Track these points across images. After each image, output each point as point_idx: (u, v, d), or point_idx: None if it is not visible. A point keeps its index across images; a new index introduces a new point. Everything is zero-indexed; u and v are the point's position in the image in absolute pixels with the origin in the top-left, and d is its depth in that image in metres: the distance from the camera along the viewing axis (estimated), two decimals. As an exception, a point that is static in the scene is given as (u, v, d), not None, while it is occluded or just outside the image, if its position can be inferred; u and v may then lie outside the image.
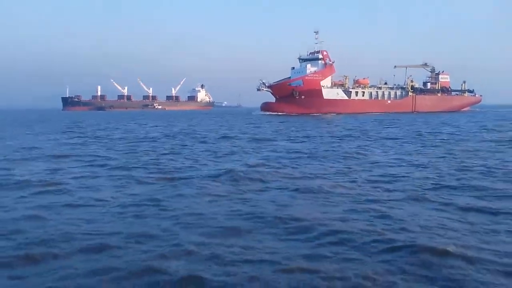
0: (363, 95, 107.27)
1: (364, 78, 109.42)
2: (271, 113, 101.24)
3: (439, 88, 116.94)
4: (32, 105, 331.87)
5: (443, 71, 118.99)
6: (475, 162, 19.15)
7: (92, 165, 19.16)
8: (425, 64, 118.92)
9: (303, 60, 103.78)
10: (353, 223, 9.76)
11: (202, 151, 25.14)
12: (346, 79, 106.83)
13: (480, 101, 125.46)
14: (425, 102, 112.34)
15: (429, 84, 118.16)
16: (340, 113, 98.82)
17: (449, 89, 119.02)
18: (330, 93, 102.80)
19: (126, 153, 24.38)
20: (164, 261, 7.54)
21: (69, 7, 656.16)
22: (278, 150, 25.08)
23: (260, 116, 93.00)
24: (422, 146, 26.87)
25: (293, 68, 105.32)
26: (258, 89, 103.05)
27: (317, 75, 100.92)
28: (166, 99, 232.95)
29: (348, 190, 13.42)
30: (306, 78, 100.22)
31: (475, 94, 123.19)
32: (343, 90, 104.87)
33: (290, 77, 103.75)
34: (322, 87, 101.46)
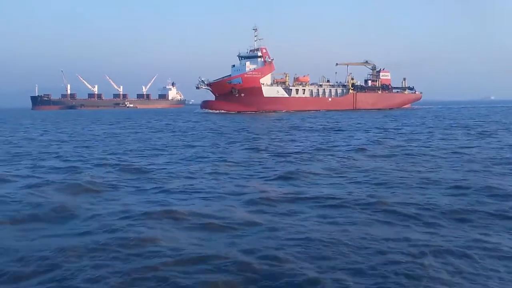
0: (303, 93, 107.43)
1: (304, 76, 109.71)
2: (210, 111, 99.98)
3: (380, 85, 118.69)
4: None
5: (383, 69, 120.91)
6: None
7: None
8: (366, 62, 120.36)
9: (242, 57, 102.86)
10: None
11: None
12: (286, 76, 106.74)
13: (420, 98, 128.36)
14: (366, 100, 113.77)
15: (370, 81, 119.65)
16: (281, 111, 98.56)
17: (390, 86, 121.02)
18: (270, 91, 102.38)
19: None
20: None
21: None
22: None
23: (196, 114, 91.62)
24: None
25: (234, 65, 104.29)
26: (197, 87, 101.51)
27: (256, 73, 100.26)
28: (137, 97, 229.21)
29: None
30: (245, 75, 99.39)
31: (415, 91, 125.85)
32: (283, 88, 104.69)
33: (230, 75, 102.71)
34: (262, 85, 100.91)
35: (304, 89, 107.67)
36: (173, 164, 19.87)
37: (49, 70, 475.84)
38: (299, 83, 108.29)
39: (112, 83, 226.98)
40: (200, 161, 20.91)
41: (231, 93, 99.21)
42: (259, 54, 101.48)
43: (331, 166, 18.54)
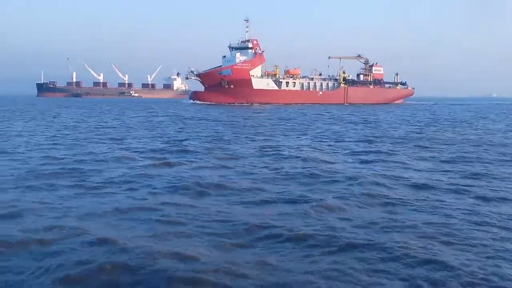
0: (294, 86, 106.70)
1: (295, 69, 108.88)
2: (199, 102, 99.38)
3: (372, 80, 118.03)
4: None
5: (376, 63, 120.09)
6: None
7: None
8: (359, 56, 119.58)
9: (233, 48, 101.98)
10: None
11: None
12: (277, 69, 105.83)
13: (413, 93, 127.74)
14: (357, 94, 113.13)
15: (362, 76, 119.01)
16: (270, 104, 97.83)
17: (382, 81, 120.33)
18: (260, 83, 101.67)
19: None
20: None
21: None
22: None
23: (185, 106, 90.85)
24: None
25: (224, 56, 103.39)
26: (187, 78, 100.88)
27: (246, 64, 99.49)
28: (142, 86, 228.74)
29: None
30: (235, 67, 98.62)
31: (407, 86, 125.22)
32: (273, 80, 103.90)
33: (221, 66, 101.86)
34: (252, 77, 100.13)
35: (294, 82, 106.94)
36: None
37: (55, 58, 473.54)
38: (290, 75, 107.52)
39: (118, 72, 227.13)
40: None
41: (221, 84, 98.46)
42: (250, 45, 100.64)
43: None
